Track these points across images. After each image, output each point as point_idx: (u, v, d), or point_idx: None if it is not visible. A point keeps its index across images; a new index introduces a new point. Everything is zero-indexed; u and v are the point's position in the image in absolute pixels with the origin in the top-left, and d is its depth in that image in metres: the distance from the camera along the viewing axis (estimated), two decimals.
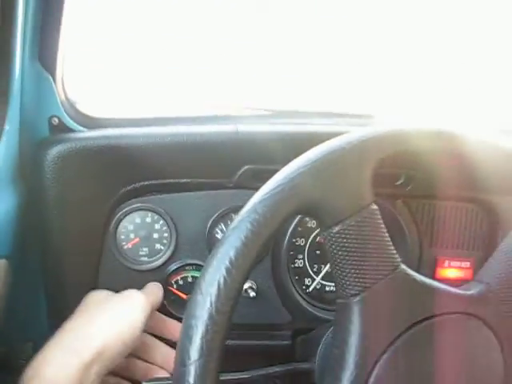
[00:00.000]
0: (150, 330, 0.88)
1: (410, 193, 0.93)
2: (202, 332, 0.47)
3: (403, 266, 0.58)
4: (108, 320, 0.76)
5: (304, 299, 0.94)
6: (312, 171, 0.53)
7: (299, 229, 0.93)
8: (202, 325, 0.47)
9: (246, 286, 0.91)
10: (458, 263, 0.98)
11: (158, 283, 0.91)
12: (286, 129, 0.91)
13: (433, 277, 0.98)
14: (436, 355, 0.59)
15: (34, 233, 0.86)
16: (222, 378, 0.69)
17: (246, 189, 0.89)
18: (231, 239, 0.49)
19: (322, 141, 0.58)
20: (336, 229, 0.55)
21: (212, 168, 0.89)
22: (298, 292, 0.94)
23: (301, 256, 0.95)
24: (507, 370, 0.62)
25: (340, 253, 0.55)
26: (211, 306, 0.48)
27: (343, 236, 0.55)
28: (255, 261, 0.50)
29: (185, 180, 0.90)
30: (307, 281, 0.96)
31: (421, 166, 0.87)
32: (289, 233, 0.91)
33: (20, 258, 0.84)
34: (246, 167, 0.88)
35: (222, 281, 0.48)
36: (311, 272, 0.96)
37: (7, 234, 0.81)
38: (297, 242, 0.95)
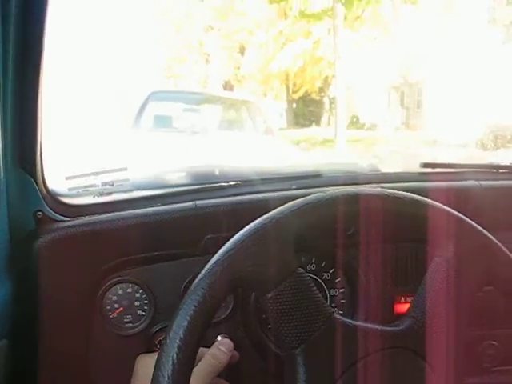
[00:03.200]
0: None
1: (361, 240, 1.03)
2: None
3: (336, 315, 0.68)
4: None
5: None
6: (240, 251, 0.64)
7: None
8: None
9: (219, 338, 1.03)
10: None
11: (229, 341, 0.96)
12: (237, 199, 1.05)
13: (392, 313, 1.08)
14: None
15: (30, 314, 0.98)
16: None
17: (212, 254, 1.02)
18: (179, 320, 0.61)
19: (270, 207, 0.69)
20: (269, 296, 0.65)
21: (178, 240, 1.03)
22: (270, 340, 1.04)
23: None
24: None
25: (277, 314, 0.66)
26: (169, 379, 0.58)
27: (277, 300, 0.65)
28: (202, 334, 0.61)
29: (156, 253, 1.03)
30: None
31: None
32: None
33: (19, 337, 0.96)
34: (208, 236, 1.02)
35: (175, 357, 0.59)
36: None
37: (6, 317, 0.92)
38: None
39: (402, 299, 1.08)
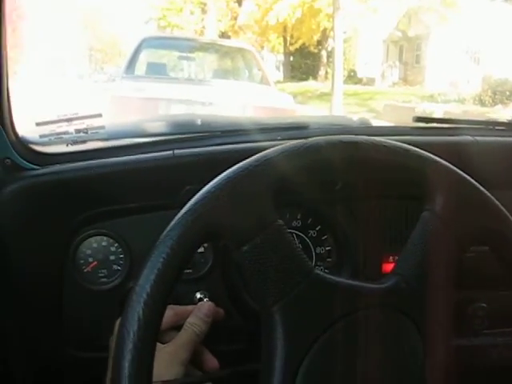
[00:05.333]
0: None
1: (349, 196, 0.99)
2: (129, 361, 0.54)
3: (316, 271, 0.64)
4: None
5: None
6: (212, 201, 0.60)
7: None
8: (128, 354, 0.54)
9: (198, 296, 0.99)
10: None
11: (209, 304, 0.91)
12: (218, 149, 0.99)
13: (380, 272, 1.04)
14: (358, 350, 0.64)
15: None
16: None
17: None
18: (146, 273, 0.57)
19: (249, 156, 0.64)
20: (244, 249, 0.61)
21: (155, 191, 0.97)
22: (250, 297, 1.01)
23: None
24: (426, 352, 0.67)
25: (253, 269, 0.61)
26: (134, 336, 0.55)
27: (252, 254, 0.61)
28: (171, 288, 0.57)
29: (133, 204, 0.97)
30: None
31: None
32: None
33: None
34: (188, 187, 0.96)
35: (141, 313, 0.55)
36: None
37: None
38: None
39: (391, 258, 1.05)
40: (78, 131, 1.00)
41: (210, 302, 0.91)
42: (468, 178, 0.71)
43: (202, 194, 0.61)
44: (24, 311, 0.97)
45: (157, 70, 6.19)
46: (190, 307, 0.89)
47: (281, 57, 26.03)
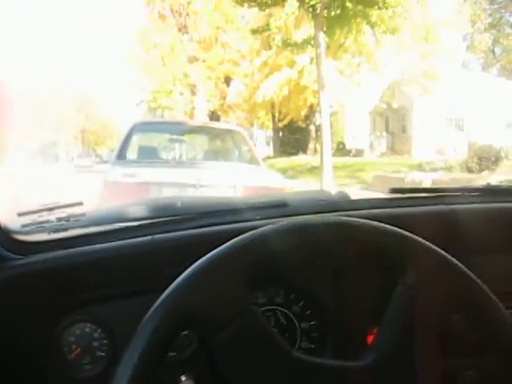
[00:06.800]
0: None
1: (327, 270, 0.97)
2: None
3: (294, 354, 0.64)
4: None
5: None
6: (185, 291, 0.61)
7: None
8: None
9: (183, 379, 0.98)
10: None
11: None
12: (197, 232, 1.01)
13: (365, 346, 1.02)
14: None
15: None
16: None
17: None
18: (122, 369, 0.58)
19: (232, 239, 0.65)
20: (220, 337, 0.61)
21: (136, 276, 0.98)
22: None
23: None
24: None
25: (231, 358, 0.62)
26: None
27: (229, 342, 0.61)
28: (148, 378, 0.58)
29: (115, 290, 0.98)
30: None
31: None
32: None
33: None
34: (167, 271, 0.97)
35: None
36: None
37: None
38: None
39: (375, 330, 1.04)
40: (59, 219, 1.02)
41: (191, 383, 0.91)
42: (436, 249, 0.72)
43: (176, 286, 0.63)
44: None
45: (148, 154, 6.26)
46: None
47: (270, 133, 26.47)
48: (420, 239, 0.72)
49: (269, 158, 19.90)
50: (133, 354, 0.58)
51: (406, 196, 1.23)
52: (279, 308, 1.03)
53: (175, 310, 0.61)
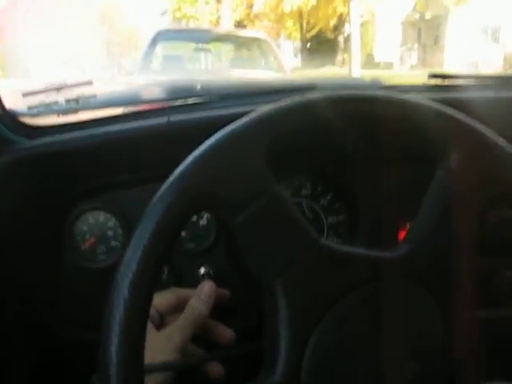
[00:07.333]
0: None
1: (362, 160, 0.92)
2: (116, 346, 0.49)
3: (322, 241, 0.58)
4: None
5: None
6: (200, 168, 0.54)
7: None
8: (115, 339, 0.49)
9: (202, 271, 0.93)
10: None
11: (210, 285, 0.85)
12: (219, 114, 0.93)
13: (395, 241, 0.97)
14: (372, 321, 0.59)
15: None
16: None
17: None
18: (131, 249, 0.51)
19: None
20: (239, 219, 0.54)
21: (152, 160, 0.91)
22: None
23: None
24: (445, 324, 0.62)
25: (250, 241, 0.55)
26: (120, 319, 0.50)
27: (248, 225, 0.55)
28: (159, 267, 0.51)
29: (128, 176, 0.91)
30: None
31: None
32: None
33: None
34: (185, 155, 0.90)
35: (127, 294, 0.50)
36: None
37: None
38: None
39: (408, 225, 0.97)
40: (68, 101, 0.94)
41: (211, 283, 0.85)
42: (486, 131, 0.63)
43: (189, 162, 0.55)
44: (16, 294, 0.92)
45: (173, 63, 6.13)
46: (191, 291, 0.84)
47: (298, 43, 25.88)
48: (466, 119, 0.63)
49: (296, 69, 19.47)
50: (143, 235, 0.51)
51: (446, 83, 1.12)
52: (305, 200, 0.97)
53: (188, 189, 0.53)
